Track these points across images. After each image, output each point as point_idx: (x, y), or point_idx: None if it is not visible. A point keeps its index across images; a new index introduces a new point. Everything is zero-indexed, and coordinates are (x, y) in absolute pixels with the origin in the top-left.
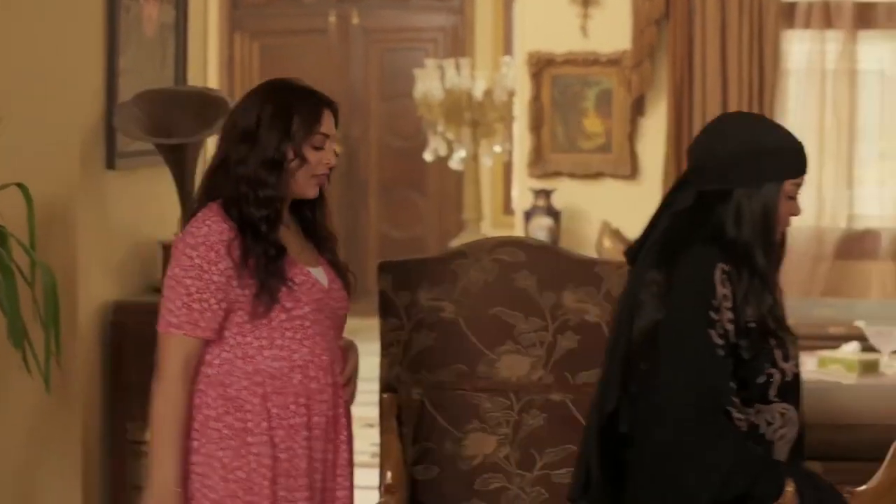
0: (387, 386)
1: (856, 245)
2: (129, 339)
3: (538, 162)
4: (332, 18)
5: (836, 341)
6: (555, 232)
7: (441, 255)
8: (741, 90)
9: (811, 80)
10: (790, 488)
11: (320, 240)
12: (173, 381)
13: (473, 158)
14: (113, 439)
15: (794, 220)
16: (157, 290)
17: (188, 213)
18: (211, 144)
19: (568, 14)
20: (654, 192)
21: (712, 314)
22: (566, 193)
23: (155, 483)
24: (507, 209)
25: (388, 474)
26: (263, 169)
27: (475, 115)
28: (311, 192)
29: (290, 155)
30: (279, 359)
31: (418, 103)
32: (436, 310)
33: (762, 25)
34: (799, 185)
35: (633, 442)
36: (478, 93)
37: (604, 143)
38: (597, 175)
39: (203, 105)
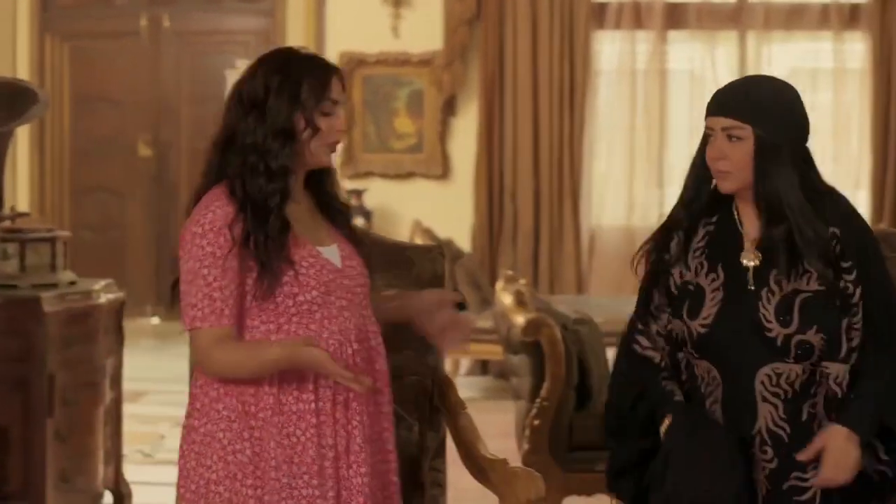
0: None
1: None
2: None
3: (350, 162)
4: (144, 21)
5: None
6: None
7: None
8: (552, 90)
9: (622, 80)
10: (666, 421)
11: (335, 213)
12: (211, 352)
13: None
14: None
15: (605, 220)
16: None
17: (193, 197)
18: (22, 135)
19: (380, 14)
20: (465, 191)
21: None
22: (378, 193)
23: (296, 360)
24: None
25: None
26: (274, 139)
27: None
28: (327, 160)
29: (302, 124)
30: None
31: None
32: None
33: (573, 26)
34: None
35: None
36: None
37: (415, 143)
38: (408, 175)
39: (13, 96)
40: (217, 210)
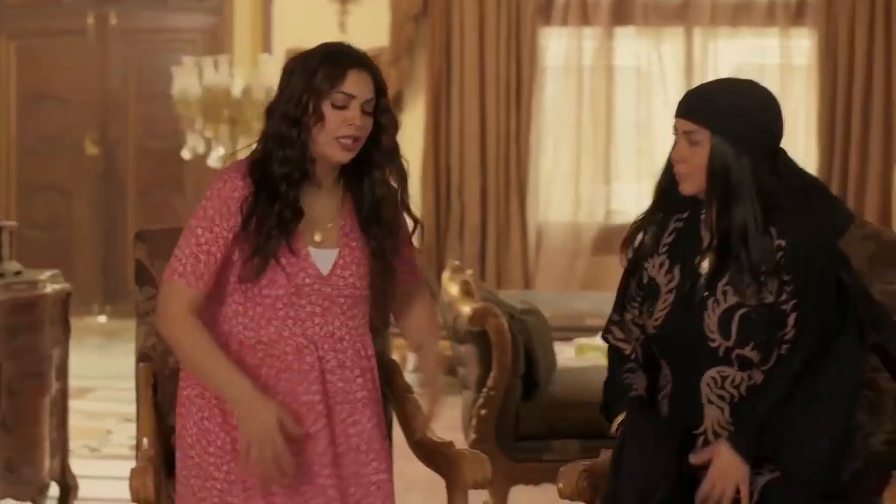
0: (142, 356)
1: (613, 240)
2: None
3: None
4: (91, 19)
5: (594, 332)
6: None
7: None
8: (499, 86)
9: (568, 76)
10: (619, 418)
11: (366, 221)
12: (182, 322)
13: (231, 156)
14: None
15: (554, 216)
16: None
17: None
18: None
19: (326, 10)
20: (412, 188)
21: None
22: None
23: (235, 401)
24: None
25: (145, 441)
26: (285, 123)
27: (233, 113)
28: (337, 156)
29: (310, 109)
30: (249, 328)
31: (176, 101)
32: None
33: (520, 22)
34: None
35: None
36: (236, 90)
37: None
38: None
39: None
40: (228, 181)
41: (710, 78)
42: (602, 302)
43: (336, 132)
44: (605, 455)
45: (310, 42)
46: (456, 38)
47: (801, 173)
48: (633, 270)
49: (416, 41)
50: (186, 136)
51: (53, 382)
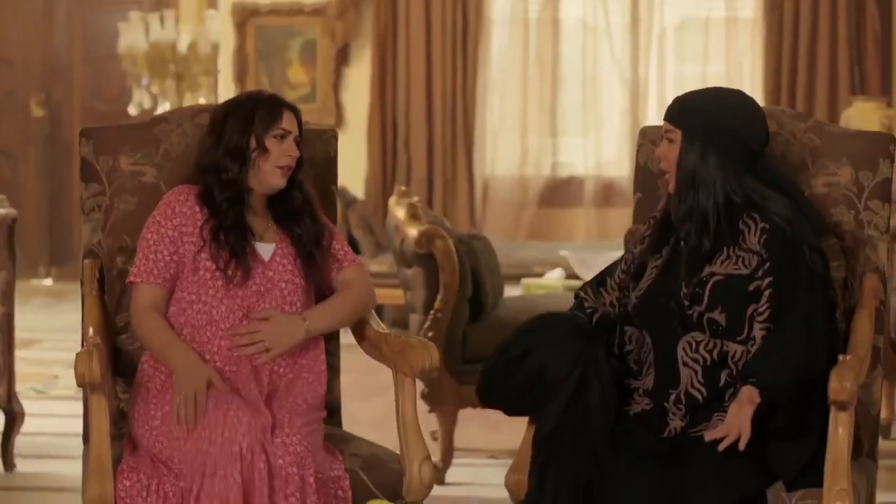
0: (88, 252)
1: (560, 192)
2: None
3: None
4: None
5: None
6: None
7: (143, 121)
8: (445, 39)
9: (514, 29)
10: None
11: (284, 219)
12: (141, 314)
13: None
14: None
15: (500, 168)
16: None
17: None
18: None
19: None
20: (359, 140)
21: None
22: None
23: (179, 370)
24: None
25: (90, 330)
26: (227, 157)
27: (180, 69)
28: (278, 182)
29: (253, 144)
30: (202, 312)
31: (122, 56)
32: (137, 174)
33: None
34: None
35: None
36: (182, 46)
37: (308, 92)
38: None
39: None
40: (173, 193)
41: (656, 31)
42: (549, 252)
43: (277, 161)
44: None
45: None
46: None
47: (786, 180)
48: (626, 258)
49: None
50: (133, 92)
51: None
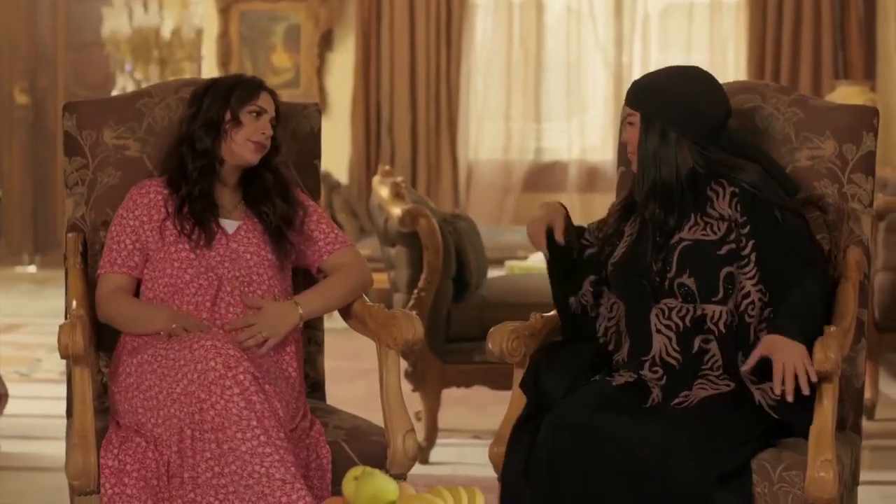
0: (72, 226)
1: (544, 177)
2: None
3: None
4: None
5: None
6: None
7: (126, 94)
8: (429, 24)
9: (498, 13)
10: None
11: (253, 199)
12: (104, 298)
13: None
14: None
15: (484, 153)
16: None
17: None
18: None
19: None
20: (342, 125)
21: None
22: None
23: (160, 319)
24: None
25: (74, 303)
26: (202, 129)
27: (163, 54)
28: (249, 156)
29: (228, 116)
30: (146, 290)
31: (106, 41)
32: (120, 148)
33: None
34: None
35: None
36: (166, 31)
37: (292, 78)
38: None
39: None
40: (137, 187)
41: (640, 16)
42: None
43: (251, 136)
44: (534, 317)
45: None
46: None
47: (751, 147)
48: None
49: None
50: (116, 78)
51: None
